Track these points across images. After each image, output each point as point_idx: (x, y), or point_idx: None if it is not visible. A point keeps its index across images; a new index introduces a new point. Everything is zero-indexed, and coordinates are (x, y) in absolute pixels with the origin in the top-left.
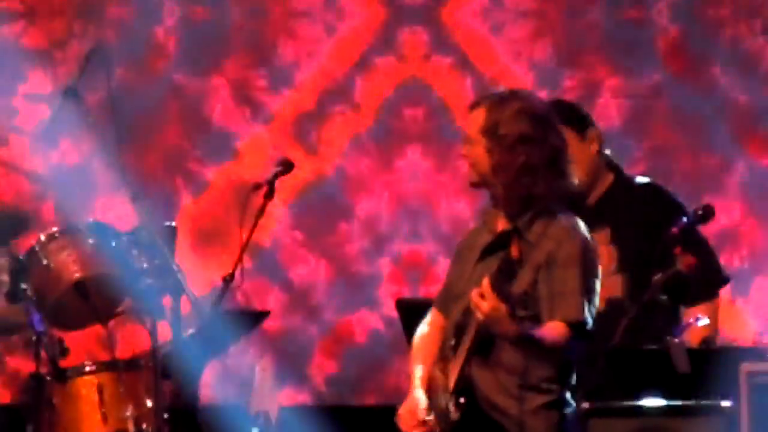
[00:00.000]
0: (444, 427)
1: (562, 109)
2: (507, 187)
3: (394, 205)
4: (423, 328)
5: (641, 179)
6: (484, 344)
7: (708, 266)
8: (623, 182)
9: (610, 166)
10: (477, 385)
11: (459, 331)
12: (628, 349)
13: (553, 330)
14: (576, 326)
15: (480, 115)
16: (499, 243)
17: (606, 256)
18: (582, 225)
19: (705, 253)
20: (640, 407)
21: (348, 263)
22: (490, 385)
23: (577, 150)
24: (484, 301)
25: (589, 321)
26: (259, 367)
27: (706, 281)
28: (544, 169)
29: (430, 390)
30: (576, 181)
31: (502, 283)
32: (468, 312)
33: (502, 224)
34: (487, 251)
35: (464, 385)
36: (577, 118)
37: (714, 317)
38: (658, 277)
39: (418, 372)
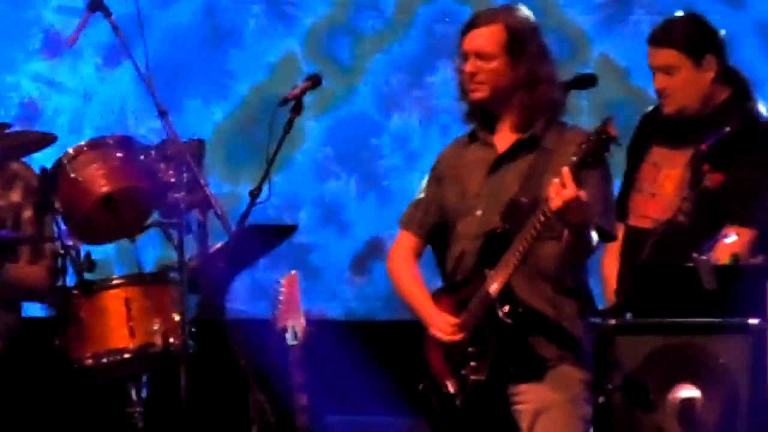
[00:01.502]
0: (479, 338)
1: (676, 31)
2: (528, 100)
3: (426, 120)
4: (399, 253)
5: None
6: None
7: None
8: (727, 106)
9: (731, 80)
10: (515, 292)
11: (491, 241)
12: (655, 266)
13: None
14: (602, 232)
15: (498, 31)
16: (512, 154)
17: (670, 179)
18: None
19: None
20: (667, 325)
21: (379, 179)
22: (527, 292)
23: (690, 77)
24: (564, 189)
25: (609, 226)
26: (287, 281)
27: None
28: (555, 79)
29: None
30: (683, 108)
31: (580, 173)
32: (507, 222)
33: (503, 138)
34: (498, 163)
35: (508, 295)
36: (694, 43)
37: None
38: (686, 194)
39: (423, 293)
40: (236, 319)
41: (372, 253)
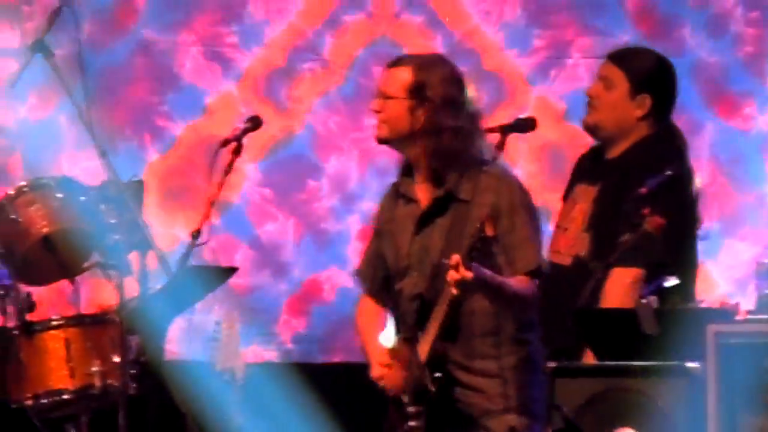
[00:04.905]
0: (417, 399)
1: (633, 56)
2: (433, 148)
3: (363, 163)
4: (361, 307)
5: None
6: (455, 315)
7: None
8: (639, 146)
9: (657, 133)
10: (450, 356)
11: (422, 304)
12: (596, 310)
13: (520, 283)
14: (535, 272)
15: (405, 74)
16: (434, 211)
17: (580, 214)
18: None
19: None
20: (606, 367)
21: (317, 221)
22: (465, 353)
23: (620, 101)
24: (458, 274)
25: (544, 262)
26: (225, 324)
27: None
28: (468, 131)
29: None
30: (599, 123)
31: (474, 259)
32: (435, 285)
33: (423, 190)
34: (423, 221)
35: (437, 359)
36: (640, 76)
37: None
38: (625, 237)
39: (378, 342)
40: (175, 360)
41: (309, 295)
